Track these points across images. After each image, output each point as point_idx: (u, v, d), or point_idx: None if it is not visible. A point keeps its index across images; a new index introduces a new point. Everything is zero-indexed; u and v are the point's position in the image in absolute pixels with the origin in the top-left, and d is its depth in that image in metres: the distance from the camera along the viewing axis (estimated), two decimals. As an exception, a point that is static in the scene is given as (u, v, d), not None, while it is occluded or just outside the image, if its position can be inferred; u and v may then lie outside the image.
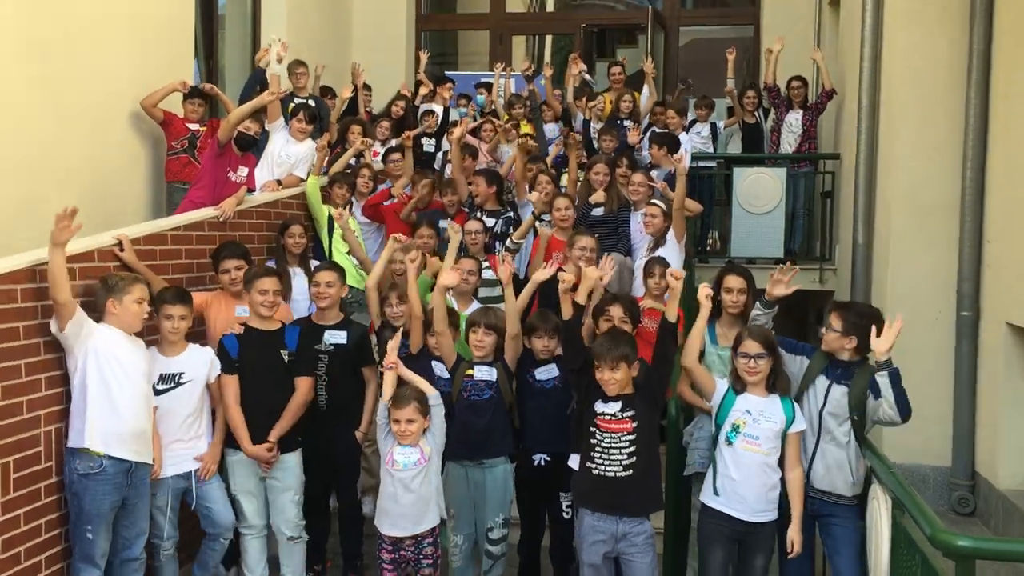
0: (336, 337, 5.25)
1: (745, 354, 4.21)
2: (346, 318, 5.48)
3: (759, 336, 4.23)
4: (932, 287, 6.97)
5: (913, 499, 3.55)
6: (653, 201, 6.72)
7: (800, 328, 9.90)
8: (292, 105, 8.57)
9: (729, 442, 4.21)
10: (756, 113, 9.71)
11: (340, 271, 5.46)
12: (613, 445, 4.12)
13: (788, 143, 9.43)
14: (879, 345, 4.03)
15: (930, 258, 6.99)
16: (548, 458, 4.87)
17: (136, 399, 4.42)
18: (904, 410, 4.07)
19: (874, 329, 4.06)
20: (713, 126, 9.60)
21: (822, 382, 4.32)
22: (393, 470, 4.41)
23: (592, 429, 4.18)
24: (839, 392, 4.25)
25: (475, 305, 5.79)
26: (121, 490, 4.34)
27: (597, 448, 4.15)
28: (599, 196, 7.11)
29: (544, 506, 5.02)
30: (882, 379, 4.06)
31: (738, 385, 4.28)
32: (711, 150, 9.56)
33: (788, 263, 4.73)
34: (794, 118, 9.39)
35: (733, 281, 4.78)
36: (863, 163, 7.65)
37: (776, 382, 4.22)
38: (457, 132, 7.69)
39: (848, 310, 4.33)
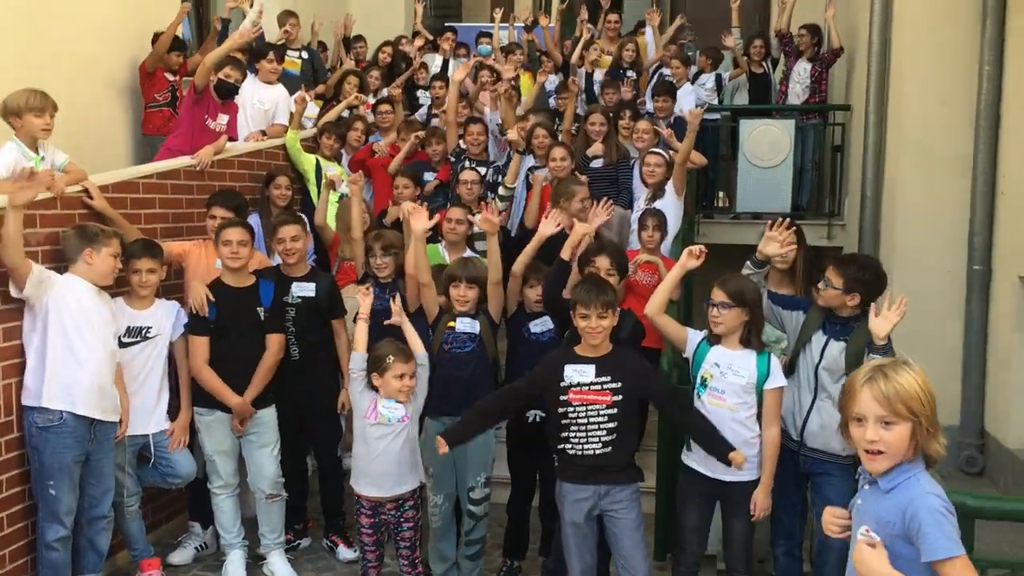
0: (304, 289, 5.03)
1: (711, 302, 3.97)
2: (313, 269, 5.26)
3: (726, 284, 3.95)
4: (942, 241, 6.73)
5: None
6: (655, 150, 6.44)
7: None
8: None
9: (698, 396, 3.99)
10: (764, 63, 9.37)
11: (302, 222, 5.18)
12: (591, 420, 3.82)
13: (796, 94, 9.10)
14: (878, 327, 3.69)
15: (941, 211, 6.75)
16: (543, 415, 4.66)
17: (100, 353, 4.27)
18: None
19: (873, 307, 3.77)
20: (718, 77, 9.28)
21: (819, 338, 4.07)
22: (376, 423, 4.20)
23: (563, 399, 3.83)
24: (836, 349, 4.00)
25: (468, 254, 5.57)
26: (83, 444, 4.19)
27: (572, 426, 3.84)
28: (597, 148, 6.87)
29: (536, 464, 4.82)
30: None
31: (713, 338, 4.04)
32: (716, 102, 9.24)
33: (783, 219, 4.43)
34: (803, 68, 9.04)
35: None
36: (872, 112, 7.37)
37: (751, 337, 3.95)
38: (459, 74, 7.39)
39: (848, 265, 4.02)
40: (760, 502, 3.90)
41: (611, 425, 3.82)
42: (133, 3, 7.16)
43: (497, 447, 4.75)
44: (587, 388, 3.83)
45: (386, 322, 4.40)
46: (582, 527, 3.92)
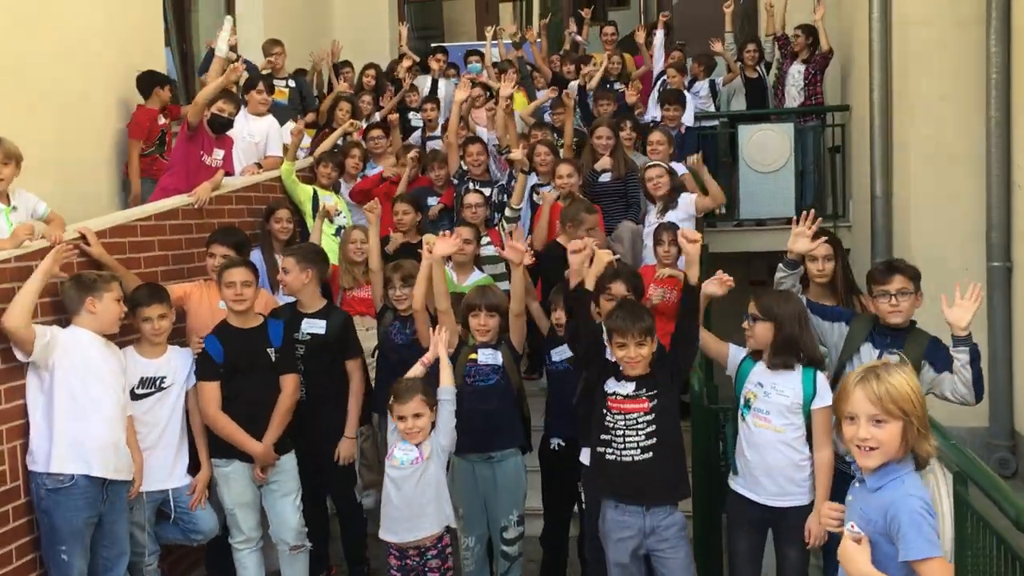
0: (314, 326, 4.80)
1: (745, 314, 3.84)
2: (328, 305, 5.01)
3: (761, 299, 3.84)
4: (959, 238, 6.58)
5: (989, 477, 3.16)
6: (655, 162, 6.27)
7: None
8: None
9: (743, 417, 3.82)
10: (758, 67, 9.26)
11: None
12: (629, 427, 3.68)
13: (792, 96, 9.00)
14: (956, 318, 3.57)
15: (955, 207, 6.60)
16: (563, 443, 4.49)
17: (111, 408, 4.07)
18: (980, 391, 3.70)
19: (944, 298, 3.61)
20: (712, 83, 9.18)
21: (868, 351, 3.89)
22: (390, 466, 4.02)
23: (603, 411, 3.74)
24: (891, 361, 3.82)
25: (476, 274, 5.39)
26: (95, 506, 3.97)
27: (610, 431, 3.71)
28: (605, 162, 6.69)
29: (569, 495, 4.65)
30: (960, 355, 3.64)
31: (755, 353, 3.87)
32: (712, 109, 9.11)
33: (809, 211, 4.26)
34: (797, 70, 8.96)
35: (818, 248, 4.28)
36: (877, 110, 7.20)
37: (799, 356, 3.77)
38: (460, 94, 7.23)
39: (903, 263, 3.90)
40: (815, 529, 3.70)
41: (650, 429, 3.66)
42: (118, 41, 6.96)
43: (528, 476, 4.55)
44: (624, 398, 3.71)
45: (426, 359, 4.20)
46: (628, 567, 3.74)
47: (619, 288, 4.14)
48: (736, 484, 3.88)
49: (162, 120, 7.07)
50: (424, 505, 3.98)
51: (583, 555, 4.62)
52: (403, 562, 4.07)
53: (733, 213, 9.04)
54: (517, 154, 6.39)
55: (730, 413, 4.48)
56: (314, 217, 6.35)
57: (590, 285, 4.05)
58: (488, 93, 8.27)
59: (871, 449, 2.46)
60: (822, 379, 3.77)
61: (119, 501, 4.10)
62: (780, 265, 4.27)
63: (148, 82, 6.98)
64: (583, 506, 4.54)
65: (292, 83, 8.47)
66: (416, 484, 3.96)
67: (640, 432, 3.65)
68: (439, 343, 4.18)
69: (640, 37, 9.73)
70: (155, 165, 6.98)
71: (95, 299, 4.09)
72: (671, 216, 5.95)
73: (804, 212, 4.27)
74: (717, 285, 3.94)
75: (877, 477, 2.50)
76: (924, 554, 2.38)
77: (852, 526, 2.50)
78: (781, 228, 8.64)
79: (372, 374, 5.15)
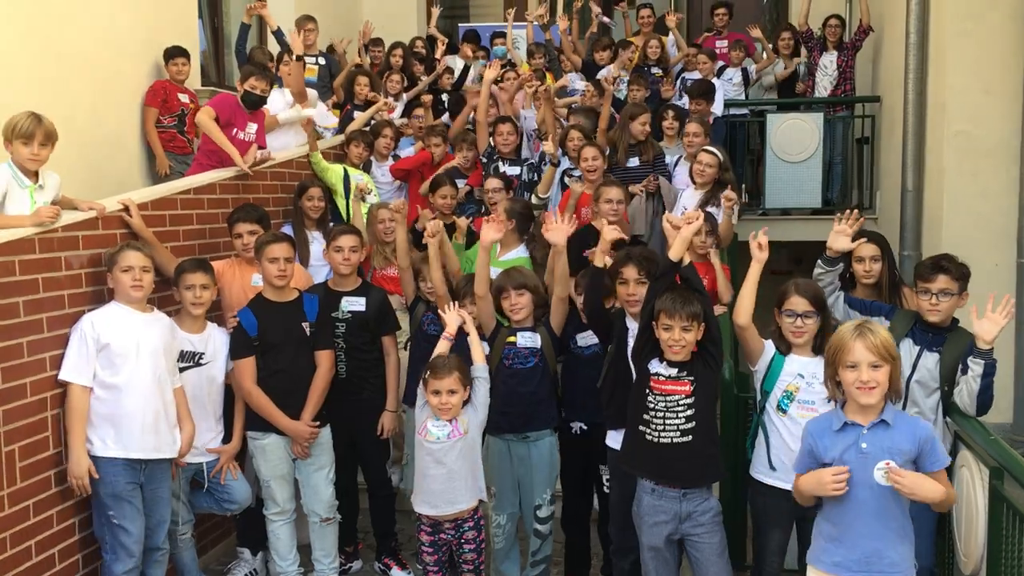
0: (354, 304, 4.85)
1: (791, 312, 3.76)
2: (364, 283, 5.08)
3: (806, 291, 3.77)
4: (990, 234, 6.59)
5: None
6: (709, 148, 6.23)
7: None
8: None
9: (782, 410, 3.78)
10: (792, 58, 9.23)
11: (360, 234, 5.03)
12: (670, 409, 3.68)
13: (823, 87, 8.96)
14: (984, 331, 3.57)
15: (986, 203, 6.61)
16: (585, 427, 4.52)
17: (147, 383, 4.04)
18: (983, 407, 3.71)
19: (975, 309, 3.61)
20: (744, 71, 9.13)
21: (909, 347, 3.89)
22: (425, 441, 4.05)
23: (645, 391, 3.75)
24: (931, 360, 3.84)
25: (519, 249, 5.35)
26: (136, 473, 4.02)
27: (651, 411, 3.71)
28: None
29: (588, 477, 4.67)
30: (975, 366, 3.63)
31: (783, 347, 3.85)
32: (743, 97, 9.09)
33: (851, 211, 4.26)
34: (828, 60, 8.93)
35: (865, 249, 4.28)
36: (912, 102, 7.17)
37: (823, 343, 3.74)
38: (490, 73, 7.23)
39: (951, 263, 3.87)
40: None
41: (689, 413, 3.66)
42: (150, 16, 7.04)
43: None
44: (667, 379, 3.70)
45: (448, 334, 4.25)
46: (662, 551, 3.75)
47: (631, 272, 4.13)
48: (771, 478, 3.84)
49: (185, 98, 7.15)
50: (464, 478, 4.03)
51: (603, 536, 4.67)
52: (436, 537, 4.11)
53: (759, 202, 9.05)
54: (548, 146, 6.39)
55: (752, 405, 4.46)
56: (346, 197, 6.38)
57: (598, 262, 4.10)
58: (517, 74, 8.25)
59: (871, 388, 2.99)
60: None
61: (159, 471, 4.14)
62: (819, 261, 4.25)
63: (168, 56, 7.14)
64: (604, 489, 4.57)
65: (322, 60, 8.47)
66: (456, 457, 4.01)
67: (680, 415, 3.65)
68: (452, 320, 4.24)
69: (671, 21, 9.68)
70: (175, 141, 7.09)
71: (110, 274, 4.11)
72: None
73: (848, 210, 4.24)
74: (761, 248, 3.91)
75: (887, 415, 3.04)
76: (947, 462, 3.09)
77: (888, 464, 2.98)
78: (806, 218, 8.67)
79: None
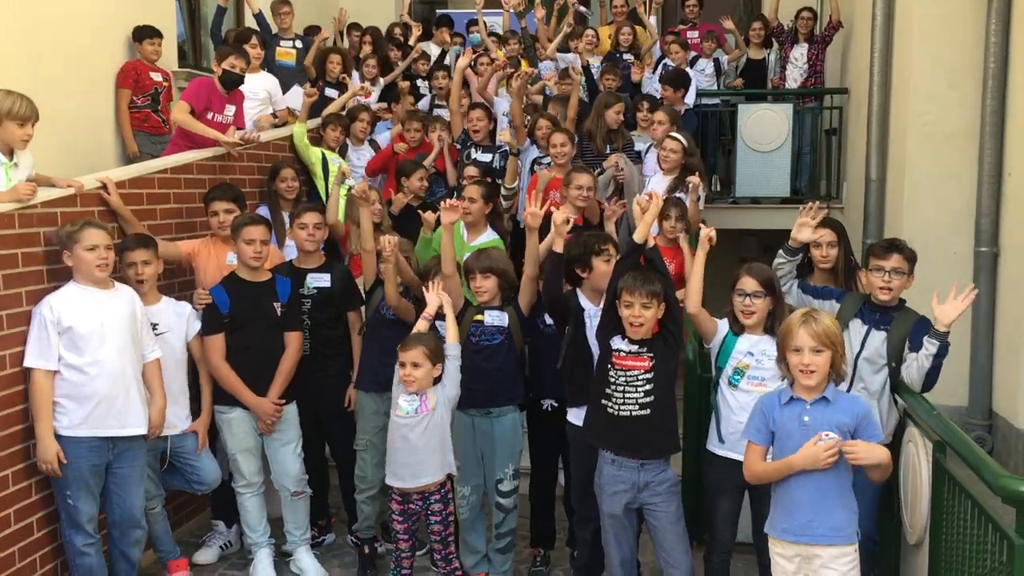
0: (319, 280, 4.97)
1: (741, 292, 3.94)
2: (328, 260, 5.16)
3: (758, 274, 3.94)
4: (949, 221, 6.73)
5: (968, 445, 3.33)
6: (673, 134, 6.37)
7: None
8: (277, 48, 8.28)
9: (733, 385, 3.96)
10: (763, 48, 9.39)
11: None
12: (629, 383, 3.84)
13: (793, 79, 9.14)
14: (945, 315, 3.73)
15: (947, 191, 6.75)
16: (556, 404, 4.65)
17: (113, 361, 4.05)
18: (929, 385, 3.89)
19: (936, 295, 3.78)
20: (716, 62, 9.27)
21: (857, 327, 4.07)
22: (395, 415, 4.20)
23: (607, 366, 3.90)
24: (878, 339, 4.01)
25: (488, 234, 5.44)
26: (102, 454, 4.07)
27: (612, 385, 3.87)
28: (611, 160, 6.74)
29: (557, 453, 4.81)
30: (930, 345, 3.79)
31: (736, 326, 4.02)
32: (715, 87, 9.24)
33: (813, 203, 4.41)
34: (799, 53, 9.11)
35: (822, 234, 4.42)
36: (876, 91, 7.33)
37: (775, 325, 3.90)
38: (463, 60, 7.34)
39: (905, 250, 4.04)
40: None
41: (648, 387, 3.82)
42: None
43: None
44: (627, 354, 3.85)
45: (427, 313, 4.35)
46: (620, 519, 3.92)
47: (614, 249, 4.33)
48: (720, 449, 4.01)
49: (158, 77, 7.14)
50: (429, 453, 4.15)
51: (568, 506, 4.83)
52: (405, 506, 4.25)
53: (729, 191, 9.22)
54: (506, 135, 6.52)
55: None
56: (324, 179, 6.47)
57: (558, 248, 4.22)
58: (491, 60, 8.33)
59: (811, 372, 3.28)
60: None
61: (131, 450, 4.18)
62: (780, 251, 4.39)
63: (138, 36, 7.11)
64: (568, 462, 4.70)
65: (299, 44, 8.52)
66: (422, 433, 4.13)
67: (639, 390, 3.81)
68: (432, 301, 4.34)
69: (642, 10, 9.79)
70: (149, 121, 7.07)
71: (69, 252, 4.05)
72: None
73: (810, 203, 4.40)
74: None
75: (829, 393, 3.32)
76: (882, 436, 3.40)
77: (827, 435, 3.25)
78: (775, 207, 8.85)
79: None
